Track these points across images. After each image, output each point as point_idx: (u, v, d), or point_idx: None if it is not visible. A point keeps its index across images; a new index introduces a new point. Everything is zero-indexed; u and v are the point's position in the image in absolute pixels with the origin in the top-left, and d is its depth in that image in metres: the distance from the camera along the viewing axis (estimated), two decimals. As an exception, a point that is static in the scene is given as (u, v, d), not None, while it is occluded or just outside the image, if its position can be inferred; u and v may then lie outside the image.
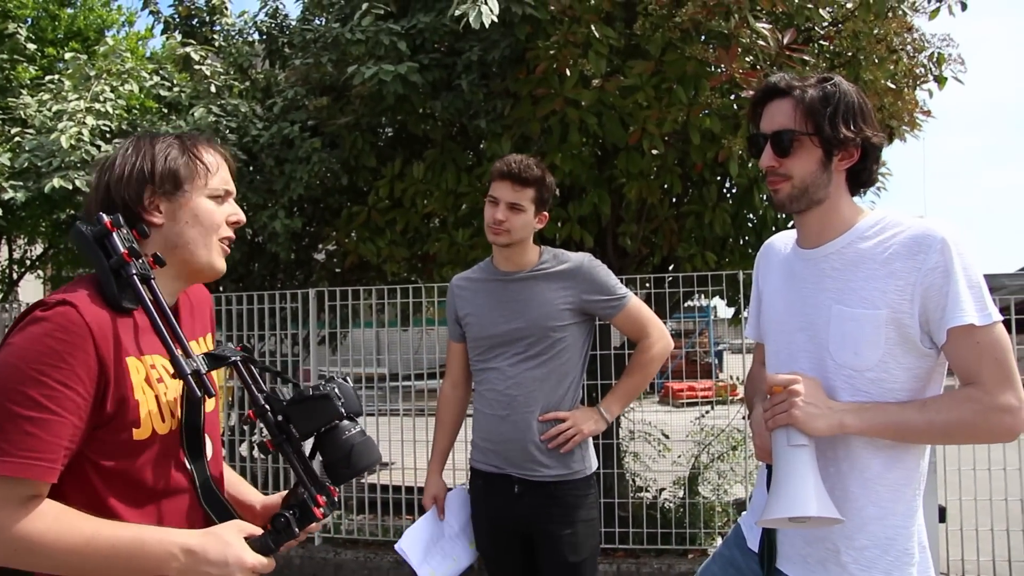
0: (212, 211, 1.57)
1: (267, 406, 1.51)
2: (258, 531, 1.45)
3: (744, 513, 2.15)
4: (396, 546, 2.78)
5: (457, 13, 3.94)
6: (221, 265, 1.60)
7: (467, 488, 2.96)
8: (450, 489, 2.92)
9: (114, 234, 1.42)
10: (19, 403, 1.29)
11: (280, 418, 1.50)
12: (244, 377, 1.56)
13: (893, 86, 4.62)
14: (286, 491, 1.65)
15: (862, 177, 1.86)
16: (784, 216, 4.87)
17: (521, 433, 2.73)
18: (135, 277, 1.41)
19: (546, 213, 2.86)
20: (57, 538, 1.30)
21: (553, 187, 2.87)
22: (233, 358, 1.53)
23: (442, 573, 2.78)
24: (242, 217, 1.63)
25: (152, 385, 1.45)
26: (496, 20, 3.95)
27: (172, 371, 1.43)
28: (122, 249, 1.40)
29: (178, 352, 1.41)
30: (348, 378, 1.63)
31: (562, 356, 2.77)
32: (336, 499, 1.57)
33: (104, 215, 1.42)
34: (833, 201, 1.84)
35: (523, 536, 2.80)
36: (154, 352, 1.46)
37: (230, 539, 1.40)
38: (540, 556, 2.77)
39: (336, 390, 1.52)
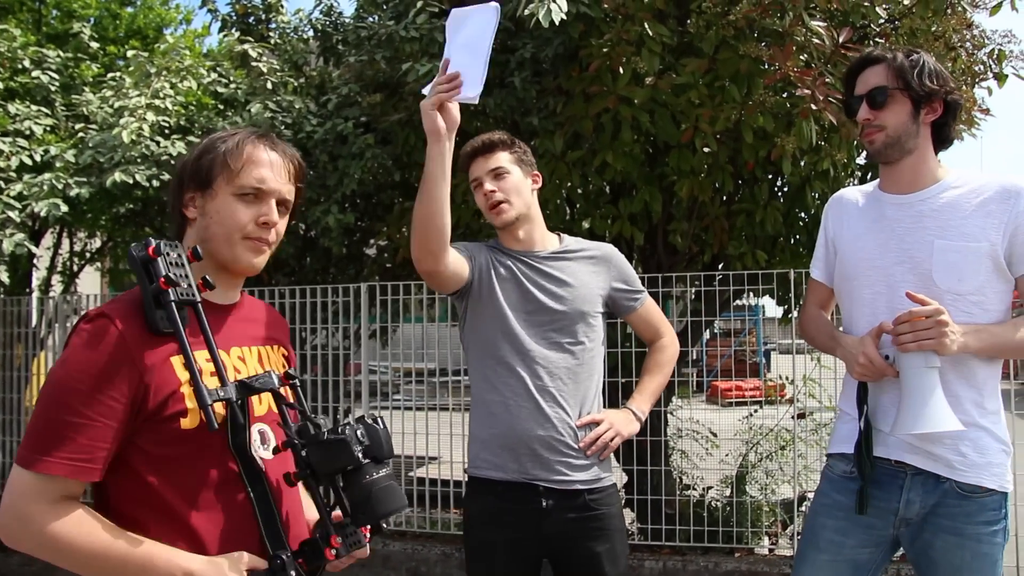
0: (234, 210, 1.57)
1: (296, 440, 1.49)
2: (263, 565, 1.48)
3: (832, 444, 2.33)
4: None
5: (527, 12, 3.94)
6: (247, 261, 1.60)
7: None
8: None
9: (157, 260, 1.44)
10: (59, 410, 1.39)
11: (305, 453, 1.49)
12: (280, 408, 1.56)
13: (951, 84, 4.53)
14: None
15: (944, 132, 2.18)
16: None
17: (553, 432, 2.38)
18: (172, 304, 1.44)
19: (537, 172, 2.58)
20: (77, 541, 1.39)
21: (524, 145, 2.59)
22: (265, 389, 1.51)
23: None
24: (272, 218, 1.60)
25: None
26: (564, 18, 3.95)
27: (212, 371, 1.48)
28: (159, 276, 1.43)
29: (202, 380, 1.42)
30: (380, 420, 1.54)
31: (593, 349, 2.50)
32: (362, 539, 1.57)
33: (151, 240, 1.45)
34: (922, 152, 2.16)
35: (543, 558, 2.48)
36: (200, 349, 1.49)
37: (229, 571, 1.44)
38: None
39: (360, 432, 1.49)
